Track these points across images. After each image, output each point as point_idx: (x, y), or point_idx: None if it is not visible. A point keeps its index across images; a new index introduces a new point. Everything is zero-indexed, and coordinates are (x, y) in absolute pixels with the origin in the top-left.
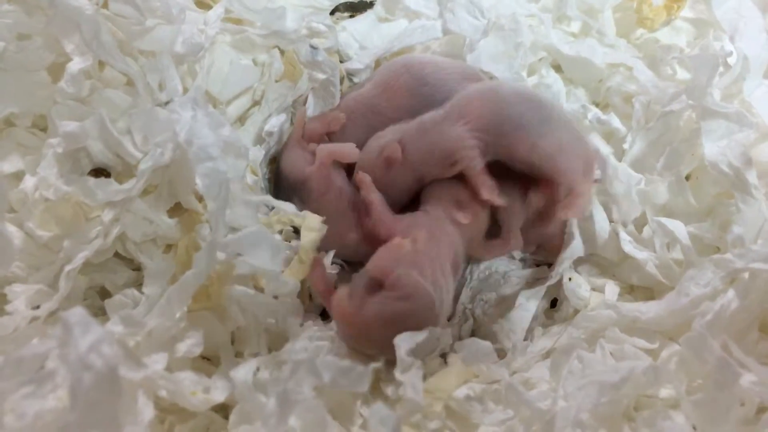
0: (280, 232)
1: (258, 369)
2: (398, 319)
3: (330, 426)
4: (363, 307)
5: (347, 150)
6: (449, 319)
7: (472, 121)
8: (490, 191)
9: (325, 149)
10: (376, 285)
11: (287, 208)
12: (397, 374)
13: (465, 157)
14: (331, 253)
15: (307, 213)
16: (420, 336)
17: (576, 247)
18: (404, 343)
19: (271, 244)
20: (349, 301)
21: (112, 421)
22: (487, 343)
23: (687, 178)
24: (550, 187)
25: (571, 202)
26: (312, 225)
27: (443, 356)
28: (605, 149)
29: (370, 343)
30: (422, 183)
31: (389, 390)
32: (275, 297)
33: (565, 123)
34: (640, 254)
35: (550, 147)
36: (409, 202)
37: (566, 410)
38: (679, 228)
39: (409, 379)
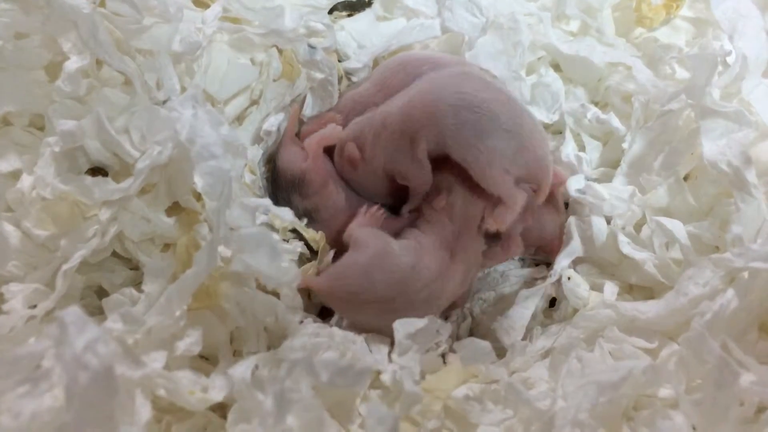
0: (278, 231)
1: (257, 367)
2: (355, 272)
3: (328, 425)
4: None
5: (331, 131)
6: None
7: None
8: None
9: (313, 140)
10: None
11: (284, 215)
12: (394, 356)
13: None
14: (332, 253)
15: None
16: (419, 323)
17: (574, 247)
18: (402, 327)
19: (272, 247)
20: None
21: (108, 420)
22: (485, 343)
23: (686, 177)
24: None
25: (495, 213)
26: (314, 237)
27: (442, 356)
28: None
29: (349, 310)
30: (395, 175)
31: (386, 376)
32: (275, 293)
33: (508, 133)
34: (639, 255)
35: (481, 159)
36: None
37: (565, 410)
38: (677, 227)
39: (405, 362)
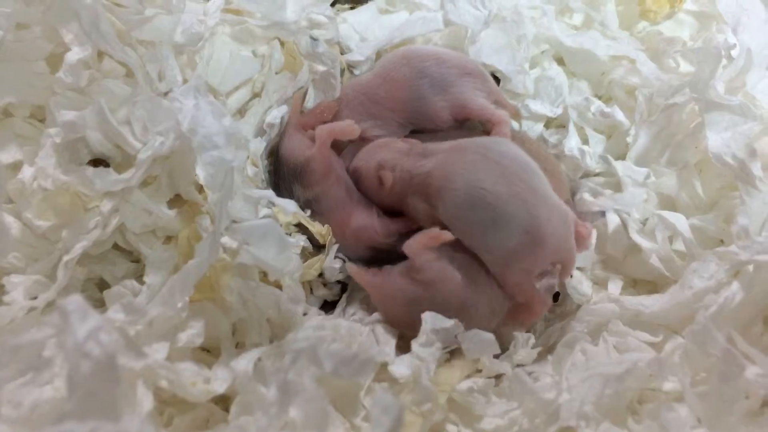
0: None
1: (260, 359)
2: (418, 300)
3: (332, 416)
4: (388, 279)
5: (346, 127)
6: None
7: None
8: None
9: (324, 129)
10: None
11: (288, 206)
12: (415, 345)
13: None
14: (335, 248)
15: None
16: (447, 322)
17: (585, 257)
18: (432, 320)
19: (279, 239)
20: (378, 272)
21: (110, 410)
22: (489, 335)
23: None
24: None
25: (519, 318)
26: (321, 231)
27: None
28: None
29: (394, 319)
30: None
31: (397, 367)
32: (277, 285)
33: (526, 234)
34: (647, 244)
35: (499, 261)
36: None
37: (570, 402)
38: (680, 221)
39: (426, 355)
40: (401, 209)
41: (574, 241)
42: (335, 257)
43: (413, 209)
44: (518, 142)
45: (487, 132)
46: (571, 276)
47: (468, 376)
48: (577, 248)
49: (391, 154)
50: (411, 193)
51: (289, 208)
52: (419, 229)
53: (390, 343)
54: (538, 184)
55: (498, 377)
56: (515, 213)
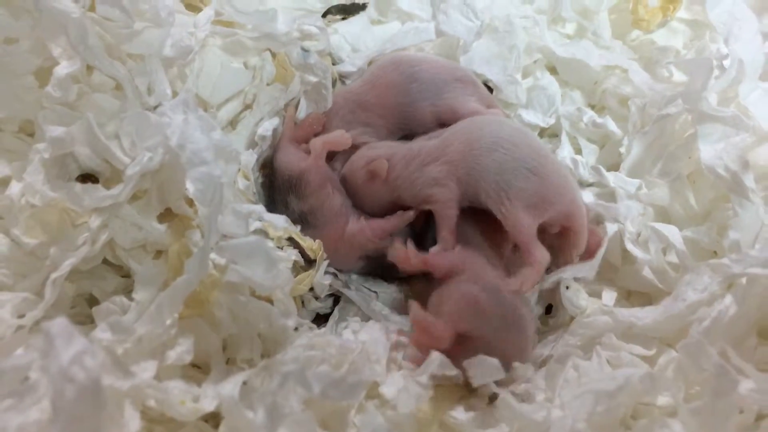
0: (272, 239)
1: (245, 383)
2: (479, 304)
3: None
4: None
5: (339, 137)
6: None
7: (451, 167)
8: (449, 243)
9: (319, 141)
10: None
11: (277, 222)
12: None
13: (438, 201)
14: (325, 264)
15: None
16: (452, 369)
17: (587, 268)
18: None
19: (266, 256)
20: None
21: None
22: (495, 361)
23: None
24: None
25: (521, 275)
26: (311, 246)
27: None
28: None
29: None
30: (396, 204)
31: (387, 389)
32: (268, 299)
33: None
34: (641, 255)
35: (508, 200)
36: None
37: (562, 419)
38: (673, 233)
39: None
40: (394, 203)
41: (583, 206)
42: (325, 273)
43: (430, 193)
44: None
45: None
46: (568, 287)
47: (463, 398)
48: (585, 256)
49: (383, 150)
50: (418, 174)
51: (278, 223)
52: (411, 227)
53: (381, 360)
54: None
55: (492, 398)
56: (526, 156)
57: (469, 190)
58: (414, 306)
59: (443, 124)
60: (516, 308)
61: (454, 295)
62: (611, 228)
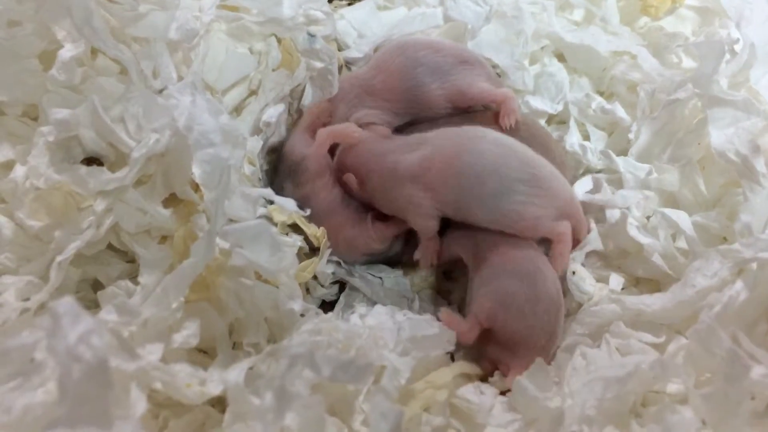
0: (276, 225)
1: (251, 368)
2: (515, 303)
3: (328, 423)
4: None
5: (349, 130)
6: None
7: (430, 189)
8: (429, 260)
9: (325, 130)
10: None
11: (287, 204)
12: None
13: (416, 223)
14: (328, 252)
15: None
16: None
17: (592, 239)
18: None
19: (271, 240)
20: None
21: (102, 414)
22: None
23: None
24: None
25: (553, 255)
26: (315, 233)
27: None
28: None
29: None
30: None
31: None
32: (275, 283)
33: (526, 193)
34: (645, 240)
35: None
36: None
37: (572, 407)
38: (682, 218)
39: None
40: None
41: (578, 201)
42: (328, 261)
43: (410, 219)
44: (525, 125)
45: (494, 114)
46: (574, 273)
47: (470, 379)
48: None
49: (352, 159)
50: (397, 195)
51: (288, 206)
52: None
53: (389, 345)
54: (537, 155)
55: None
56: (515, 168)
57: (458, 215)
58: (444, 311)
59: (456, 106)
60: (552, 298)
61: (492, 289)
62: (614, 215)
